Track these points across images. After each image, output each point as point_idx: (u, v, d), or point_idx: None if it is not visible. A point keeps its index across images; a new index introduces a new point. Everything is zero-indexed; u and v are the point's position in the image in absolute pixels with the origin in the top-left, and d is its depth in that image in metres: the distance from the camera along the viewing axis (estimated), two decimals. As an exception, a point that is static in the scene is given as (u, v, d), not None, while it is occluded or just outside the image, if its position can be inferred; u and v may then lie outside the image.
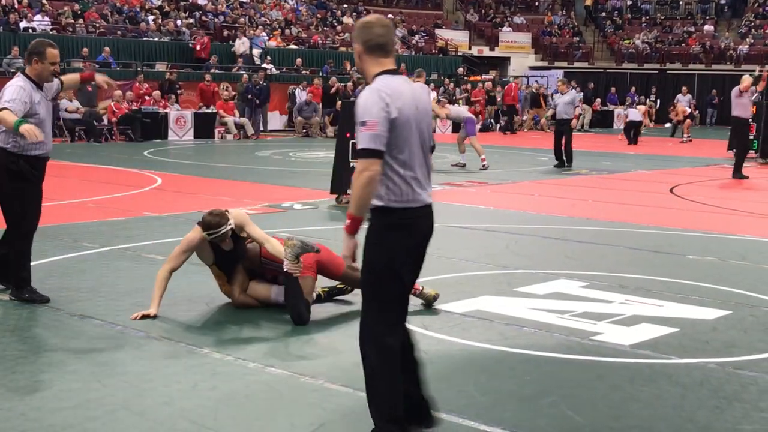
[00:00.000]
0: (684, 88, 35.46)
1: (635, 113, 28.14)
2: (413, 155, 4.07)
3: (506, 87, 33.43)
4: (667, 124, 33.56)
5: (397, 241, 4.06)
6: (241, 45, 30.22)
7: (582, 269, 7.94)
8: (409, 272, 4.15)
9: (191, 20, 31.73)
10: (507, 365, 5.54)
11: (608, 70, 43.17)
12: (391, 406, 4.09)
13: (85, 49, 25.98)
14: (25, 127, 6.25)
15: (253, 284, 6.68)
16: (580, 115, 19.09)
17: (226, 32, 31.62)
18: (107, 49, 26.67)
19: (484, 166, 17.93)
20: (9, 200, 6.74)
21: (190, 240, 6.49)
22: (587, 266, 8.40)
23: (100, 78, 7.24)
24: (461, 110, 20.75)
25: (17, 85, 6.61)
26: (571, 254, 9.14)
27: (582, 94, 37.35)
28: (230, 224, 6.40)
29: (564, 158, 19.35)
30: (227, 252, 6.55)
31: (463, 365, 5.50)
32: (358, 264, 4.16)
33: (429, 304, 6.82)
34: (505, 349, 5.85)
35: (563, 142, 19.38)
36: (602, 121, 36.95)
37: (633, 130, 27.51)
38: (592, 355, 5.76)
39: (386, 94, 3.98)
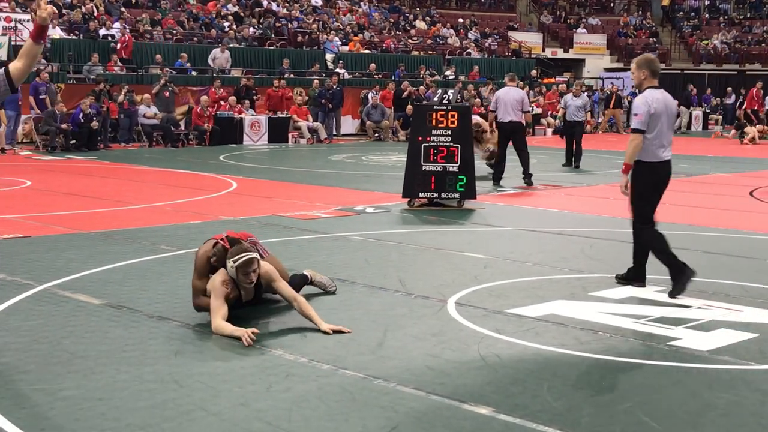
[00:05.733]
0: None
1: None
2: (662, 133, 7.48)
3: (748, 92, 32.85)
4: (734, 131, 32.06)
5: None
6: (222, 57, 27.59)
7: (658, 273, 7.79)
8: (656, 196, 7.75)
9: (265, 26, 32.10)
10: (582, 370, 5.49)
11: (685, 71, 42.38)
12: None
13: (158, 56, 26.44)
14: None
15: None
16: (593, 119, 19.26)
17: (299, 37, 31.90)
18: (184, 55, 27.16)
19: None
20: None
21: (217, 286, 6.20)
22: (664, 270, 8.25)
23: (43, 13, 5.25)
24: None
25: None
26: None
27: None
28: (255, 255, 6.28)
29: (572, 158, 19.62)
30: (247, 300, 6.49)
31: (537, 370, 5.46)
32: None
33: (326, 290, 7.28)
34: (580, 353, 5.79)
35: (573, 142, 19.65)
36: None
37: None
38: (670, 360, 5.66)
39: (649, 99, 7.40)
